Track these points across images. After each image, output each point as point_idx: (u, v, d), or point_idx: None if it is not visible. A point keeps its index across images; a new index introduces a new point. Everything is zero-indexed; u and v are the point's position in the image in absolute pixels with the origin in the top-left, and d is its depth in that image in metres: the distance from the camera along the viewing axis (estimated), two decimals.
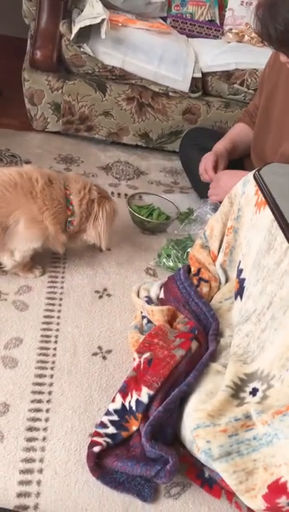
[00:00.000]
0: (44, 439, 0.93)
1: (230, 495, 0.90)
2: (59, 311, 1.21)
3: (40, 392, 1.01)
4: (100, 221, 1.25)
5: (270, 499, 0.78)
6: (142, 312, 1.21)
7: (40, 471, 0.88)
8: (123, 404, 0.96)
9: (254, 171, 1.10)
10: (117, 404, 0.97)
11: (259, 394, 0.89)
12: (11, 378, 1.02)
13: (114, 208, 1.31)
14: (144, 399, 0.92)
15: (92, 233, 1.27)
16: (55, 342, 1.13)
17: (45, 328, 1.16)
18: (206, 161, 1.51)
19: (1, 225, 1.13)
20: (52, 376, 1.05)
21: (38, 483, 0.86)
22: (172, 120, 1.95)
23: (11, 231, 1.16)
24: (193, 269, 1.26)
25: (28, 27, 1.94)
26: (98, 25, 1.69)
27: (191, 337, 1.04)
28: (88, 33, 1.74)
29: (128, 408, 0.95)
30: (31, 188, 1.16)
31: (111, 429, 0.93)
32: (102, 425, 0.94)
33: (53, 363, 1.08)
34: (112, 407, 0.97)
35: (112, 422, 0.94)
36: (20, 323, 1.15)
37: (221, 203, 1.25)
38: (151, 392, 0.92)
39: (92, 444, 0.91)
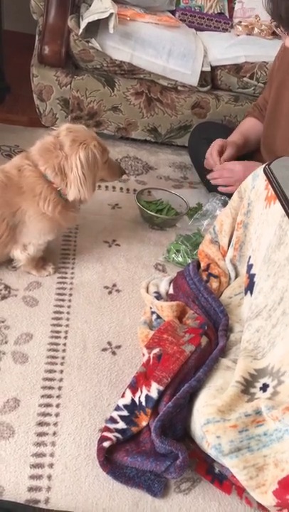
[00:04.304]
0: (54, 433, 0.94)
1: (241, 490, 0.89)
2: (69, 306, 1.22)
3: (51, 388, 1.01)
4: (74, 174, 1.13)
5: (280, 495, 0.78)
6: (151, 308, 1.21)
7: (51, 465, 0.89)
8: (133, 400, 0.96)
9: (264, 164, 1.08)
10: (127, 400, 0.97)
11: (269, 390, 0.88)
12: (22, 374, 1.03)
13: (93, 150, 1.15)
14: (154, 394, 0.92)
15: (74, 191, 1.15)
16: (65, 337, 1.13)
17: (55, 323, 1.16)
18: (213, 146, 1.50)
19: (8, 224, 1.14)
20: (62, 371, 1.05)
21: (49, 477, 0.87)
22: (181, 115, 1.93)
23: (21, 228, 1.17)
24: (203, 265, 1.25)
25: (36, 23, 1.94)
26: (106, 20, 1.68)
27: (200, 332, 1.03)
28: (96, 27, 1.74)
29: (138, 403, 0.95)
30: (15, 183, 1.13)
31: (121, 425, 0.94)
32: (112, 420, 0.95)
33: (63, 358, 1.08)
34: (121, 402, 0.97)
35: (122, 417, 0.95)
36: (31, 319, 1.16)
37: (229, 197, 1.24)
38: (161, 388, 0.92)
39: (102, 439, 0.91)
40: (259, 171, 1.10)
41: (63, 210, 1.19)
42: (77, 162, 1.13)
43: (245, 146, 1.56)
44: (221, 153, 1.49)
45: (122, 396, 0.98)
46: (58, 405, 0.99)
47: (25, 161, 1.16)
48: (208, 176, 1.49)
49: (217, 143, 1.50)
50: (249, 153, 1.62)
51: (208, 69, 1.86)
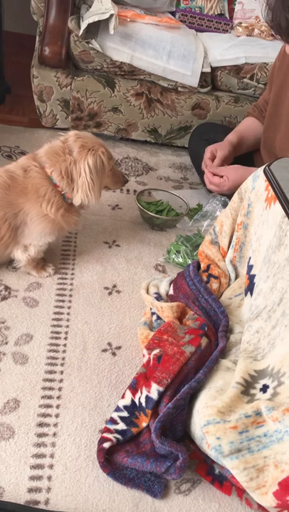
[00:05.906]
0: (54, 434, 0.93)
1: (241, 491, 0.89)
2: (69, 307, 1.22)
3: (51, 389, 1.01)
4: (83, 179, 1.15)
5: (280, 496, 0.78)
6: (151, 308, 1.21)
7: (51, 466, 0.89)
8: (133, 401, 0.96)
9: (264, 165, 1.08)
10: (127, 401, 0.97)
11: (269, 391, 0.88)
12: (22, 374, 1.03)
13: (101, 157, 1.18)
14: (154, 395, 0.92)
15: (80, 195, 1.17)
16: (65, 338, 1.13)
17: (55, 324, 1.16)
18: (205, 155, 1.52)
19: (10, 225, 1.14)
20: (62, 372, 1.05)
21: (49, 478, 0.87)
22: (181, 115, 1.94)
23: (23, 229, 1.17)
24: (203, 266, 1.25)
25: (36, 24, 1.94)
26: (107, 21, 1.69)
27: (200, 333, 1.03)
28: (97, 28, 1.74)
29: (138, 404, 0.95)
30: (19, 183, 1.13)
31: (121, 426, 0.94)
32: (112, 421, 0.95)
33: (63, 359, 1.08)
34: (121, 403, 0.97)
35: (122, 418, 0.95)
36: (31, 320, 1.16)
37: (229, 197, 1.24)
38: (161, 389, 0.92)
39: (102, 440, 0.91)
40: (259, 171, 1.10)
41: (65, 214, 1.19)
42: (86, 167, 1.14)
43: (241, 145, 1.56)
44: (213, 159, 1.50)
45: (122, 397, 0.98)
46: (58, 406, 0.99)
47: (32, 162, 1.17)
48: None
49: (207, 150, 1.52)
50: (249, 153, 1.63)
51: (209, 70, 1.87)
